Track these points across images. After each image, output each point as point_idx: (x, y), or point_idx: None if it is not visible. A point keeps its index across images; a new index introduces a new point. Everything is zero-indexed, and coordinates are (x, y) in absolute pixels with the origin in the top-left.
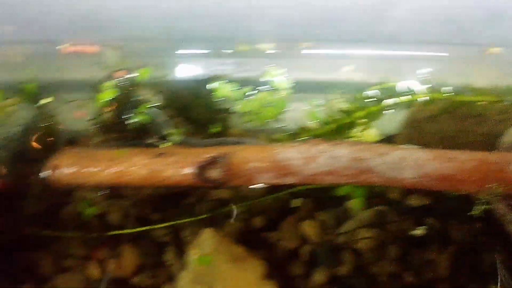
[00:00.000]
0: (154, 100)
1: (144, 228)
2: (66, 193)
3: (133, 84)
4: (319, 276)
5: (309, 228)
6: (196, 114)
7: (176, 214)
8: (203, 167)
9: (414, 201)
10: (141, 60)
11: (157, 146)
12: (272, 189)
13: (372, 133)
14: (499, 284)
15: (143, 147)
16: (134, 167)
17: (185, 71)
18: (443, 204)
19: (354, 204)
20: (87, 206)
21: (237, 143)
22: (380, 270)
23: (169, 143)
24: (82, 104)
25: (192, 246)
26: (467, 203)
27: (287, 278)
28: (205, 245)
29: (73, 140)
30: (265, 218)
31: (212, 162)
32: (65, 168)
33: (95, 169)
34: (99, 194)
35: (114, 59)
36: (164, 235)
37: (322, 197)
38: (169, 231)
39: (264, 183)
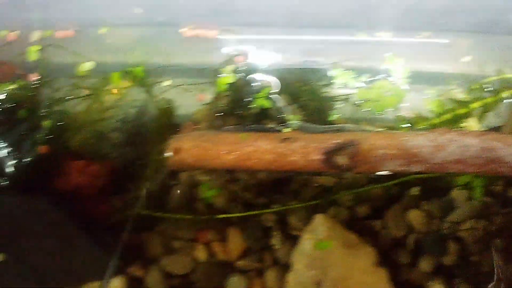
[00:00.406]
0: (272, 86)
1: (251, 213)
2: (173, 175)
3: (251, 70)
4: (425, 264)
5: (414, 217)
6: (311, 101)
7: (281, 199)
8: (331, 153)
9: None
10: (258, 45)
11: (277, 131)
12: (377, 178)
13: (477, 124)
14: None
15: (264, 132)
16: (258, 151)
17: (303, 57)
18: None
19: (458, 194)
20: (207, 189)
21: (357, 130)
22: (484, 261)
23: (290, 129)
24: (202, 88)
25: (305, 231)
26: None
27: (394, 266)
28: (318, 230)
29: (190, 124)
30: (369, 206)
31: (340, 148)
32: (187, 150)
33: (218, 152)
34: (212, 178)
35: (233, 44)
36: (270, 220)
37: (427, 187)
38: (275, 216)
39: (390, 170)
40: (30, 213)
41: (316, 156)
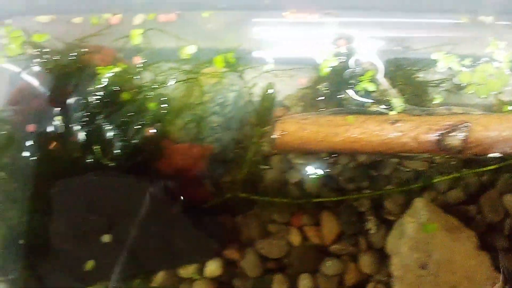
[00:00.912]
0: (375, 69)
1: (348, 197)
2: (266, 159)
3: (353, 53)
4: None
5: (511, 202)
6: (413, 84)
7: (376, 184)
8: (444, 134)
9: None
10: (359, 29)
11: (383, 114)
12: (470, 162)
13: None
14: None
15: (370, 115)
16: (366, 133)
17: (405, 41)
18: None
19: None
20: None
21: (465, 113)
22: None
23: (396, 112)
24: (302, 72)
25: (406, 215)
26: None
27: (490, 251)
28: (419, 214)
29: (286, 108)
30: (463, 191)
31: (453, 130)
32: (292, 133)
33: (324, 135)
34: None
35: (335, 28)
36: (364, 205)
37: None
38: (370, 201)
39: (501, 152)
40: (134, 195)
41: (428, 138)
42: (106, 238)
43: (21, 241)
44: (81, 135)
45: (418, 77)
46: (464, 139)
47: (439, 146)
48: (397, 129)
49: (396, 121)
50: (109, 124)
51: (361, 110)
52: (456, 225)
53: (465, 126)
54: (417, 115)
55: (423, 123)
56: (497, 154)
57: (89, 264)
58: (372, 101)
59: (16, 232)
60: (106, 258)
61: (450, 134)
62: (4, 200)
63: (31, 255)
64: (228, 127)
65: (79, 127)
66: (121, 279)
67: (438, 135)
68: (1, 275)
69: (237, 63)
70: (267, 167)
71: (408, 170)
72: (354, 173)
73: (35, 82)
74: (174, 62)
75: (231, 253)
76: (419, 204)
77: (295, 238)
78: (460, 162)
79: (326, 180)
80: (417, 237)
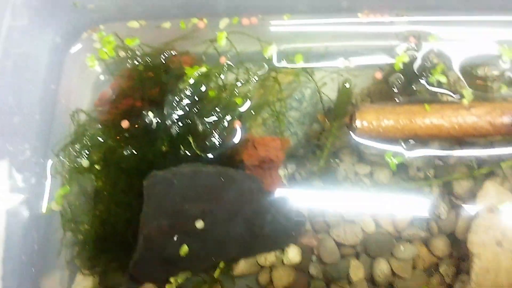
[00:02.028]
0: (445, 63)
1: (422, 184)
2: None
3: (423, 49)
4: None
5: None
6: (477, 76)
7: (442, 172)
8: None
9: None
10: (425, 28)
11: (456, 102)
12: None
13: None
14: None
15: (444, 103)
16: (443, 119)
17: (473, 36)
18: None
19: None
20: (391, 157)
21: None
22: None
23: (466, 100)
24: (378, 67)
25: (477, 197)
26: None
27: None
28: (490, 196)
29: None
30: None
31: None
32: (371, 122)
33: (403, 122)
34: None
35: (405, 27)
36: (434, 191)
37: None
38: (439, 188)
39: None
40: (224, 184)
41: (502, 120)
42: (199, 224)
43: (109, 234)
44: (173, 130)
45: (483, 69)
46: None
47: None
48: (473, 113)
49: (471, 107)
50: (199, 119)
51: (435, 100)
52: None
53: None
54: (488, 102)
55: (496, 108)
56: None
57: (183, 250)
58: (444, 91)
59: (106, 226)
60: (198, 244)
61: None
62: (96, 194)
63: (119, 247)
64: (303, 122)
65: (171, 122)
66: (204, 269)
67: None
68: (88, 268)
69: (313, 61)
70: (338, 160)
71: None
72: (423, 163)
73: (126, 84)
74: (255, 62)
75: (309, 241)
76: (490, 185)
77: (368, 225)
78: None
79: (397, 169)
80: (490, 217)
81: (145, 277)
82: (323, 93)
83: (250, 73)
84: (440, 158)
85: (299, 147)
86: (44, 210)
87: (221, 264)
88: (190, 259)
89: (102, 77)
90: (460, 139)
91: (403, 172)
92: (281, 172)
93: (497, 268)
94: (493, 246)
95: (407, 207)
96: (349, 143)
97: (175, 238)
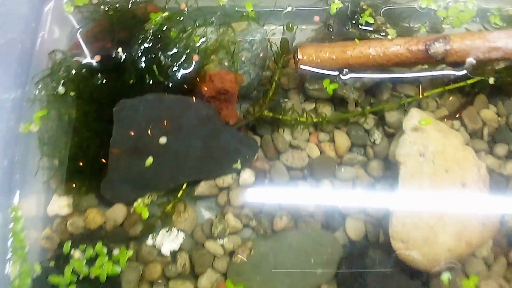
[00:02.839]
0: (371, 10)
1: (356, 113)
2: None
3: None
4: (500, 150)
5: (487, 114)
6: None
7: (378, 102)
8: (430, 44)
9: None
10: None
11: (382, 38)
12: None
13: None
14: None
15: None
16: (370, 48)
17: None
18: None
19: None
20: (328, 84)
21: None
22: None
23: (391, 36)
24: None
25: (404, 120)
26: None
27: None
28: (414, 119)
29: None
30: (448, 109)
31: (437, 40)
32: (310, 55)
33: (336, 53)
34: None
35: None
36: (369, 123)
37: (493, 92)
38: (374, 119)
39: (474, 58)
40: (183, 111)
41: (418, 47)
42: (162, 140)
43: (82, 158)
44: (139, 63)
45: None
46: (446, 47)
47: (427, 53)
48: (395, 43)
49: (393, 39)
50: (162, 53)
51: (365, 37)
52: (445, 128)
53: (446, 38)
54: (408, 36)
55: (414, 38)
56: (471, 60)
57: (148, 161)
58: (373, 30)
59: (80, 150)
60: (162, 160)
61: (435, 43)
62: (70, 122)
63: (92, 171)
64: (255, 63)
65: (137, 57)
66: (168, 191)
67: (426, 45)
68: (63, 190)
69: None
70: (286, 99)
71: (401, 94)
72: (359, 95)
73: (98, 28)
74: (212, 10)
75: (262, 164)
76: (414, 111)
77: (313, 151)
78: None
79: (337, 103)
80: (415, 134)
81: (115, 197)
82: (273, 42)
83: (207, 18)
84: (374, 94)
85: (252, 89)
86: (21, 129)
87: (184, 186)
88: (156, 178)
89: (76, 25)
90: (386, 68)
91: (343, 107)
92: (237, 103)
93: (420, 174)
94: (416, 156)
95: (346, 136)
96: (296, 84)
97: (141, 156)
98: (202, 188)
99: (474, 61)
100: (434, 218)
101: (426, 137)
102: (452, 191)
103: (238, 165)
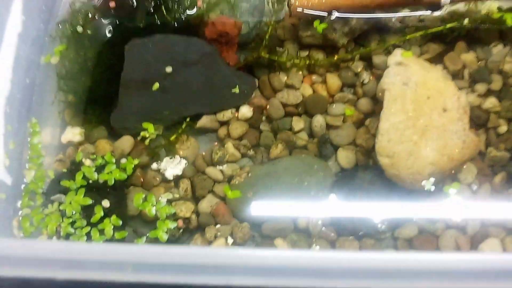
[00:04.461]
0: None
1: (346, 56)
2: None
3: None
4: (480, 88)
5: (467, 57)
6: None
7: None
8: None
9: None
10: None
11: None
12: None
13: None
14: None
15: None
16: None
17: None
18: None
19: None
20: (318, 23)
21: None
22: None
23: None
24: None
25: (389, 57)
26: None
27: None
28: (398, 56)
29: None
30: (431, 54)
31: None
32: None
33: None
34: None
35: None
36: (359, 66)
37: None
38: (363, 63)
39: None
40: (187, 47)
41: None
42: (168, 69)
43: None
44: (149, 7)
45: None
46: None
47: None
48: None
49: None
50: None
51: None
52: (427, 65)
53: None
54: None
55: None
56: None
57: (155, 86)
58: None
59: (93, 85)
60: (167, 87)
61: None
62: (86, 59)
63: (104, 104)
64: (253, 13)
65: (147, 2)
66: (173, 123)
67: None
68: (76, 125)
69: None
70: (282, 48)
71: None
72: (348, 40)
73: None
74: None
75: (259, 101)
76: (398, 50)
77: (307, 91)
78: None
79: (329, 51)
80: (398, 68)
81: (123, 129)
82: None
83: None
84: (363, 43)
85: (251, 39)
86: (43, 60)
87: (188, 119)
88: (161, 110)
89: None
90: (371, 9)
91: (334, 53)
92: (237, 46)
93: (403, 98)
94: (400, 85)
95: (337, 78)
96: (291, 35)
97: (148, 86)
98: (204, 121)
99: (448, 0)
100: (417, 134)
101: (409, 70)
102: (434, 114)
103: (236, 90)
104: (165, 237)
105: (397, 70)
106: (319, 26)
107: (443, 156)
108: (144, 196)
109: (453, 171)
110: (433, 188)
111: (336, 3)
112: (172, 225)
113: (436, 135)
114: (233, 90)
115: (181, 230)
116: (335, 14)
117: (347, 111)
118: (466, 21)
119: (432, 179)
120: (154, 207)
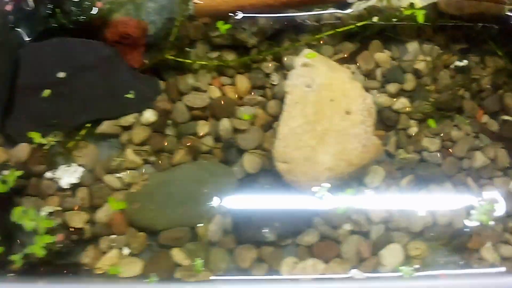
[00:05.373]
0: None
1: (255, 56)
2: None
3: None
4: (391, 88)
5: (381, 57)
6: None
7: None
8: None
9: None
10: None
11: None
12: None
13: None
14: None
15: None
16: None
17: None
18: None
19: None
20: (222, 24)
21: None
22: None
23: None
24: None
25: (296, 58)
26: None
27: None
28: (299, 56)
29: None
30: (342, 55)
31: None
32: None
33: None
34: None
35: None
36: (269, 67)
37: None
38: (273, 63)
39: None
40: (85, 51)
41: None
42: (61, 74)
43: None
44: (45, 10)
45: None
46: None
47: None
48: None
49: None
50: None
51: None
52: (334, 65)
53: None
54: None
55: None
56: None
57: (46, 93)
58: None
59: None
60: (62, 93)
61: None
62: None
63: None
64: (161, 13)
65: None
66: (71, 129)
67: None
68: None
69: None
70: (192, 49)
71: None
72: (258, 41)
73: None
74: None
75: (164, 104)
76: (305, 50)
77: (215, 93)
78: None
79: (240, 52)
80: (303, 69)
81: (20, 136)
82: None
83: None
84: (276, 44)
85: (159, 39)
86: None
87: (88, 125)
88: (59, 116)
89: None
90: (277, 9)
91: (246, 55)
92: (140, 47)
93: (304, 101)
94: (302, 87)
95: (247, 79)
96: (202, 35)
97: (44, 93)
98: (104, 126)
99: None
100: (315, 139)
101: (315, 71)
102: (336, 117)
103: (137, 94)
104: (42, 252)
105: (302, 71)
106: (222, 27)
107: (341, 161)
108: (24, 209)
109: (356, 175)
110: (325, 195)
111: (240, 3)
112: (51, 239)
113: (335, 140)
114: (133, 94)
115: (72, 242)
116: (240, 14)
117: (245, 115)
118: (375, 18)
119: (326, 185)
120: (33, 221)
